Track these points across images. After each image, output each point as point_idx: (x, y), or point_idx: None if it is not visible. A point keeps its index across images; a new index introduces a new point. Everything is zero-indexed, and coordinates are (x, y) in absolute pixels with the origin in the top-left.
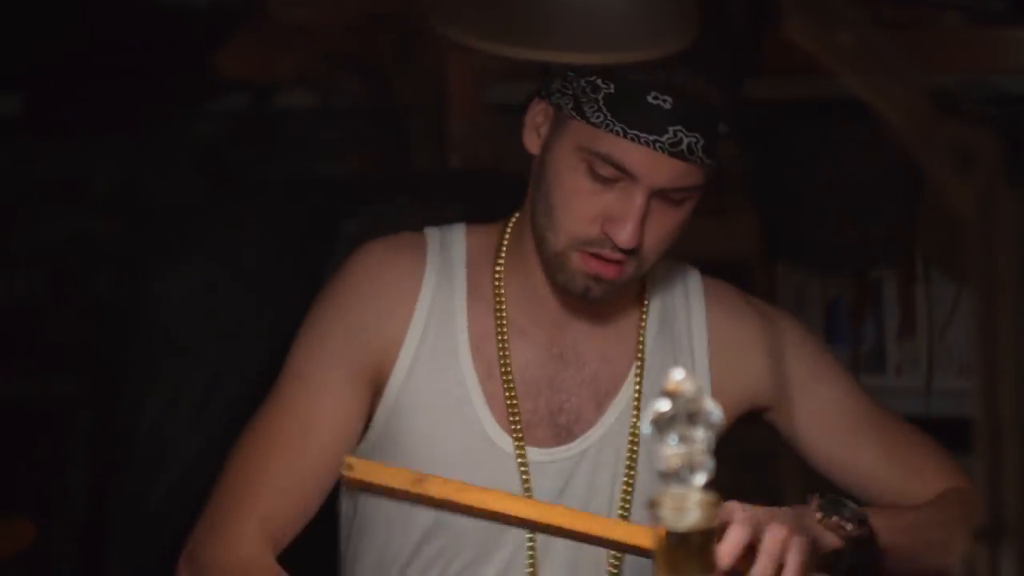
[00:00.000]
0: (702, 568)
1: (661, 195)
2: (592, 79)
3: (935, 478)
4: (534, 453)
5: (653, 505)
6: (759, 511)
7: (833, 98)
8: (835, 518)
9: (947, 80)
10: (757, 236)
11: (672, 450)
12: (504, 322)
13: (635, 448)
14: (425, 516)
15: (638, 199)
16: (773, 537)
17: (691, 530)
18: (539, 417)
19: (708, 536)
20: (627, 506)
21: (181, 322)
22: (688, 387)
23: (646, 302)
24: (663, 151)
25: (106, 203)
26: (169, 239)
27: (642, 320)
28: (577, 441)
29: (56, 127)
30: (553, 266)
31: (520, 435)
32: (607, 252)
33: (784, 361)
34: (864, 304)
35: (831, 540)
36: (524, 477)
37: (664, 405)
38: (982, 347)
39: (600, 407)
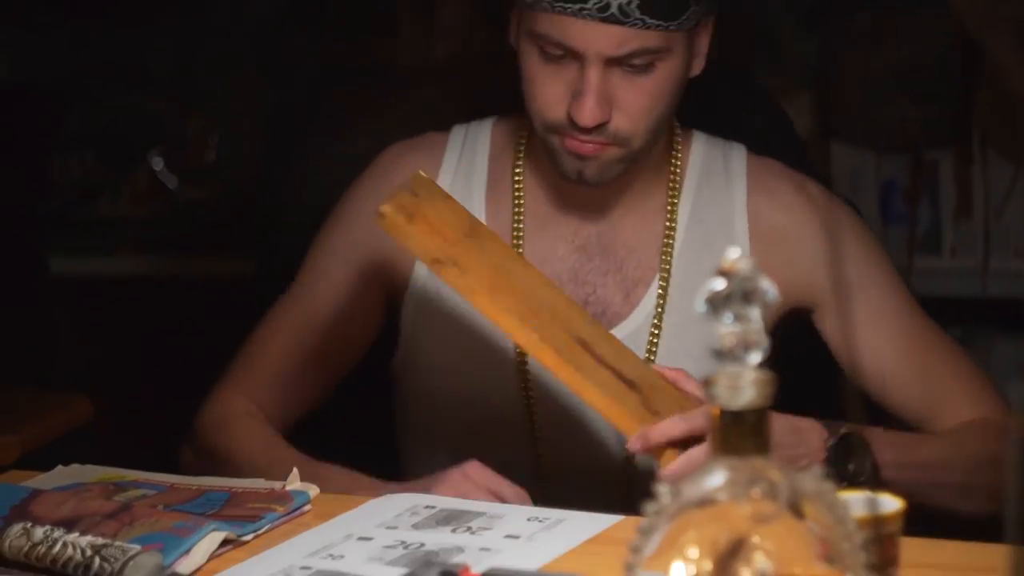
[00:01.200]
0: (756, 447)
1: (619, 64)
2: None
3: (965, 406)
4: None
5: (708, 384)
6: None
7: None
8: (833, 468)
9: None
10: (812, 116)
11: (727, 328)
12: (521, 215)
13: (655, 342)
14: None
15: (589, 73)
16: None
17: (745, 409)
18: None
19: (762, 415)
20: None
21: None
22: (743, 265)
23: (679, 186)
24: (591, 17)
25: (161, 85)
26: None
27: (673, 206)
28: None
29: (112, 9)
30: (547, 153)
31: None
32: (578, 135)
33: (835, 257)
34: (919, 185)
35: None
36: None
37: (719, 283)
38: None
39: (629, 298)
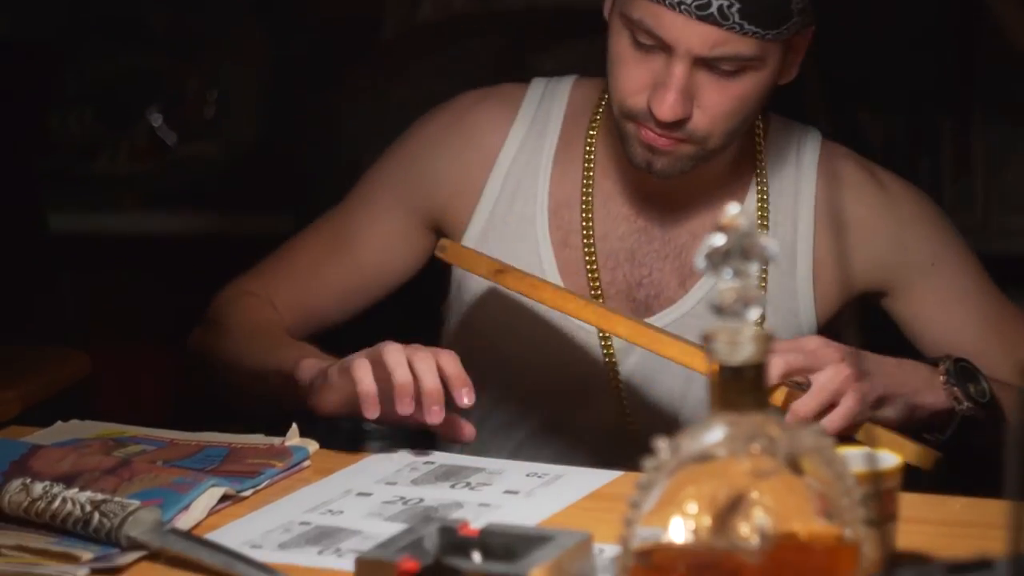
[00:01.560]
0: (756, 403)
1: (707, 66)
2: None
3: None
4: None
5: (706, 339)
6: (830, 347)
7: None
8: (957, 388)
9: None
10: (811, 75)
11: (726, 284)
12: (591, 187)
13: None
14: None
15: (675, 68)
16: (828, 376)
17: (744, 364)
18: (615, 290)
19: (761, 371)
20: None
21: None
22: (743, 222)
23: (752, 176)
24: (688, 13)
25: (159, 41)
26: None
27: (744, 194)
28: (655, 317)
29: None
30: (621, 136)
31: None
32: (654, 127)
33: (905, 242)
34: (919, 143)
35: (937, 400)
36: (607, 352)
37: (718, 240)
38: None
39: (683, 284)
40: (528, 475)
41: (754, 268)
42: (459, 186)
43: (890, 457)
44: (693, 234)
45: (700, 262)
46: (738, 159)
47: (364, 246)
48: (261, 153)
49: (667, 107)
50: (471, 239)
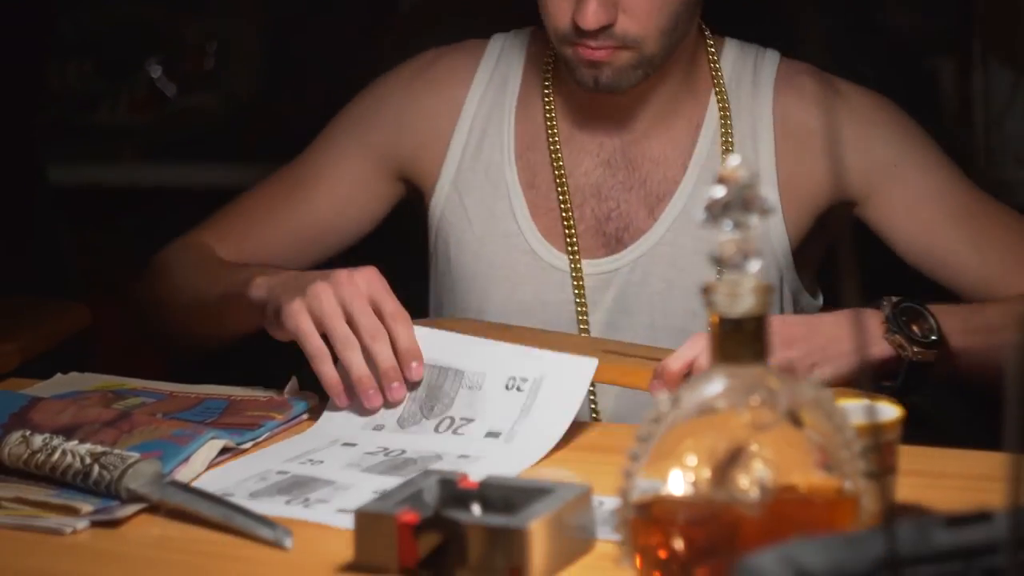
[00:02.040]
0: (755, 355)
1: None
2: None
3: None
4: (582, 265)
5: (706, 291)
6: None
7: None
8: (899, 335)
9: None
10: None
11: (726, 236)
12: (553, 126)
13: (686, 256)
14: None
15: None
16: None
17: (744, 316)
18: (585, 226)
19: (761, 323)
20: (698, 317)
21: None
22: (743, 173)
23: (707, 98)
24: None
25: None
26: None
27: (701, 118)
28: (627, 250)
29: None
30: (566, 66)
31: (575, 247)
32: (587, 41)
33: (865, 147)
34: (918, 93)
35: (883, 350)
36: (578, 291)
37: (718, 191)
38: None
39: (652, 213)
40: (507, 388)
41: (754, 220)
42: (427, 136)
43: (890, 409)
44: (655, 162)
45: (699, 214)
46: (692, 83)
47: (323, 193)
48: (261, 105)
49: (589, 15)
50: (443, 188)
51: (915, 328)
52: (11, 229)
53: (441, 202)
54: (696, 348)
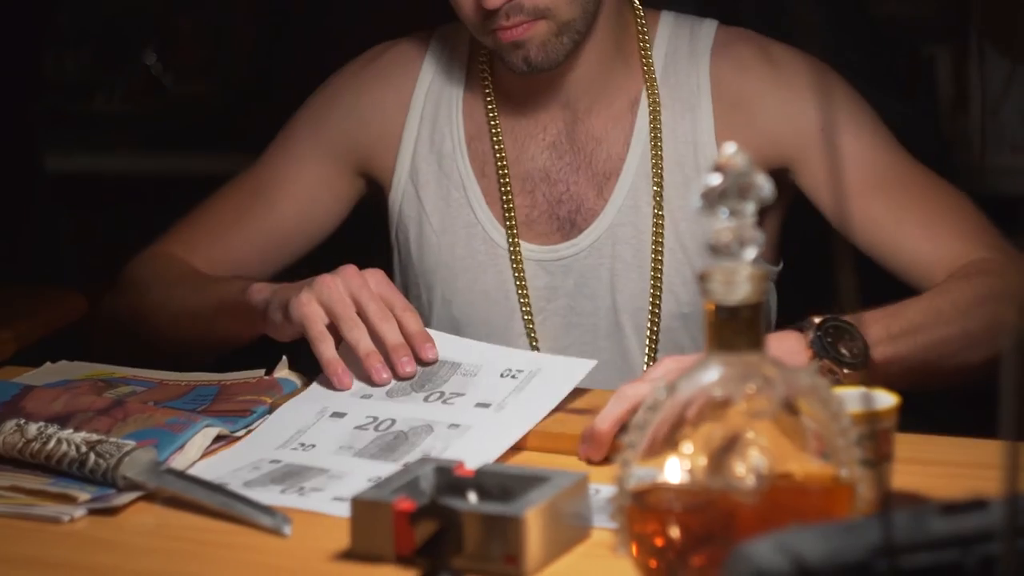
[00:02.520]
0: (751, 342)
1: None
2: None
3: (959, 245)
4: (537, 251)
5: (703, 279)
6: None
7: None
8: (827, 360)
9: None
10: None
11: (722, 224)
12: (495, 115)
13: (646, 233)
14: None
15: None
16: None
17: (741, 304)
18: (539, 212)
19: (757, 310)
20: (657, 294)
21: None
22: (739, 161)
23: (647, 70)
24: None
25: None
26: None
27: (638, 92)
28: (583, 235)
29: None
30: (494, 54)
31: (515, 231)
32: (501, 22)
33: (794, 113)
34: (915, 81)
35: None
36: (518, 275)
37: (715, 179)
38: None
39: (601, 193)
40: (503, 375)
41: (750, 207)
42: (380, 129)
43: (886, 397)
44: (598, 140)
45: (696, 202)
46: (626, 58)
47: (286, 195)
48: (257, 92)
49: None
50: (400, 181)
51: (843, 349)
52: (8, 217)
53: (399, 196)
54: (623, 404)
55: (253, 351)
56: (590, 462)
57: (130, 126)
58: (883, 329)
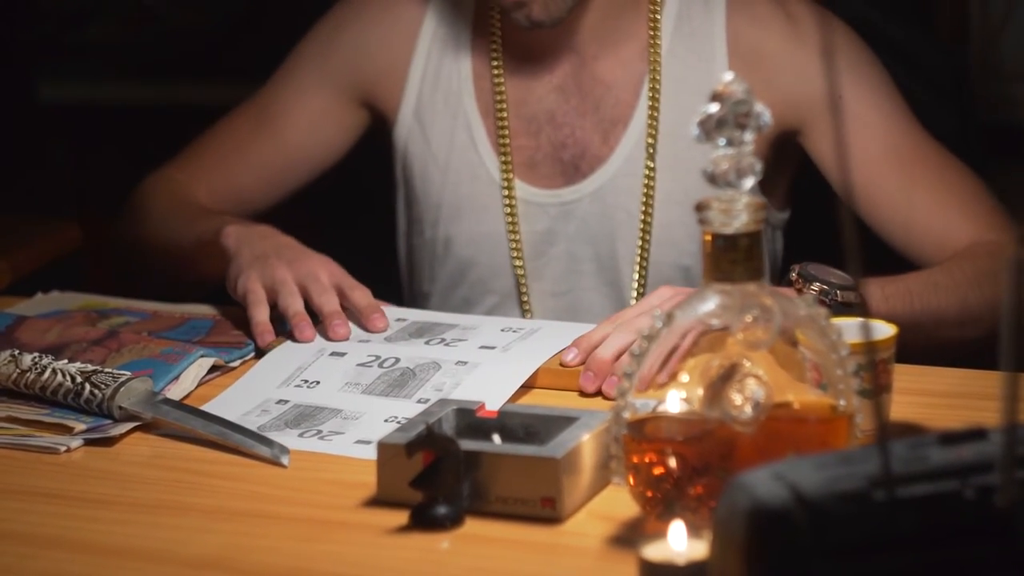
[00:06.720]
0: (748, 272)
1: None
2: None
3: (969, 225)
4: (539, 195)
5: (700, 208)
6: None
7: None
8: (818, 283)
9: None
10: None
11: (720, 153)
12: (499, 55)
13: (651, 184)
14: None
15: None
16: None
17: (738, 233)
18: (543, 154)
19: (755, 239)
20: (646, 247)
21: None
22: (737, 89)
23: (658, 18)
24: None
25: None
26: None
27: (653, 39)
28: (587, 181)
29: None
30: (499, 9)
31: (509, 173)
32: None
33: (811, 75)
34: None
35: None
36: (510, 219)
37: (712, 107)
38: None
39: (607, 141)
40: (503, 330)
41: (748, 136)
42: (386, 62)
43: (885, 327)
44: (607, 86)
45: (694, 130)
46: (637, 3)
47: (289, 125)
48: (252, 21)
49: None
50: (406, 117)
51: (832, 279)
52: (2, 147)
53: (404, 132)
54: (627, 336)
55: None
56: (582, 394)
57: (125, 55)
58: (877, 288)
